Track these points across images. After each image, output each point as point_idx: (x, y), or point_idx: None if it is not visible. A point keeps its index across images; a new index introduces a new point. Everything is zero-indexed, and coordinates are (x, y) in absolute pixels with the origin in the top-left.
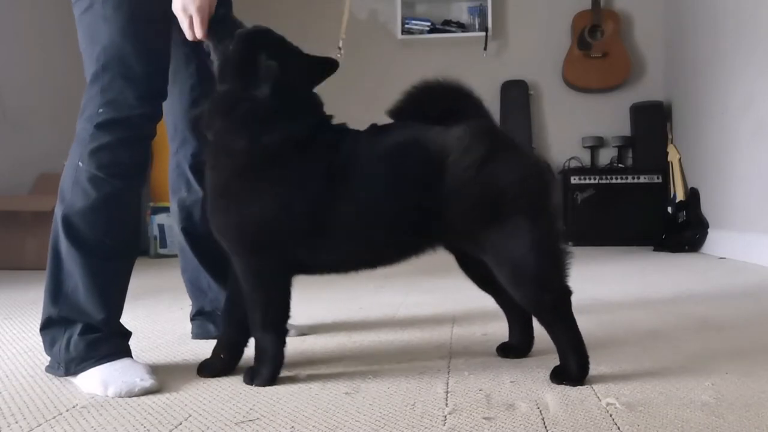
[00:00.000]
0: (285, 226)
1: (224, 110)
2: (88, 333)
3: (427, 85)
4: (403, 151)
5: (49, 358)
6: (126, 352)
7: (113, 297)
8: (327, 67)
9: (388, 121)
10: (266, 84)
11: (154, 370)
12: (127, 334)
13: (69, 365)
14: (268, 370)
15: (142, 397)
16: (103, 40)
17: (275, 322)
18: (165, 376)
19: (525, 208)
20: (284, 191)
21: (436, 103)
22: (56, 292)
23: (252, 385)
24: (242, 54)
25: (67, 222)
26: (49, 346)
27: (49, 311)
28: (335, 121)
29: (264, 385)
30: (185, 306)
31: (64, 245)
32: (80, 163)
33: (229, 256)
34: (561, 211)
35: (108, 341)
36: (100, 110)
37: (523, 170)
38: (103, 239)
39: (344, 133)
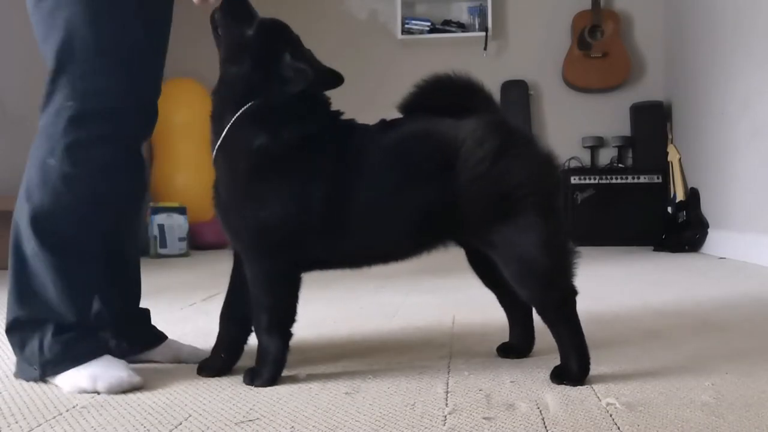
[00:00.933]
0: (303, 225)
1: (238, 101)
2: (61, 333)
3: (438, 78)
4: (416, 143)
5: (12, 366)
6: (104, 350)
7: (85, 297)
8: (335, 79)
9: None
10: (297, 85)
11: (155, 370)
12: (101, 331)
13: (45, 367)
14: (270, 372)
15: (142, 397)
16: (69, 27)
17: (281, 326)
18: (165, 376)
19: (536, 206)
20: (302, 189)
21: (446, 97)
22: (23, 293)
23: (252, 385)
24: (265, 43)
25: (36, 223)
26: (20, 348)
27: (15, 312)
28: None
29: (264, 386)
30: (185, 306)
31: (30, 246)
32: (51, 161)
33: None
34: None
35: (84, 340)
36: (70, 103)
37: (535, 166)
38: (74, 240)
39: (355, 129)
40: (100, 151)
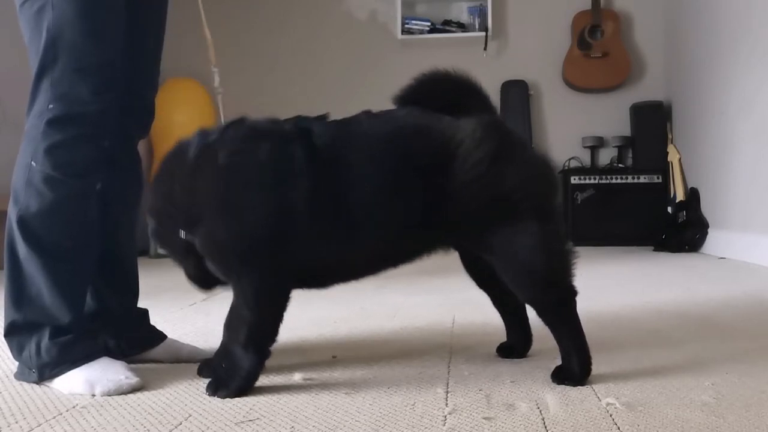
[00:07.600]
0: (291, 225)
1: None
2: (58, 336)
3: (437, 75)
4: (411, 139)
5: (14, 366)
6: (101, 352)
7: (78, 297)
8: None
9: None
10: None
11: (155, 370)
12: (96, 333)
13: (43, 370)
14: (237, 385)
15: (142, 397)
16: (52, 29)
17: (261, 343)
18: (165, 376)
19: (533, 208)
20: (281, 188)
21: (443, 94)
22: (18, 296)
23: (215, 396)
24: None
25: (23, 225)
26: (17, 351)
27: (12, 316)
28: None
29: (228, 397)
30: (185, 306)
31: (21, 248)
32: (33, 163)
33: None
34: (561, 211)
35: (81, 342)
36: (51, 105)
37: (532, 169)
38: (61, 241)
39: (325, 123)
40: (81, 152)
